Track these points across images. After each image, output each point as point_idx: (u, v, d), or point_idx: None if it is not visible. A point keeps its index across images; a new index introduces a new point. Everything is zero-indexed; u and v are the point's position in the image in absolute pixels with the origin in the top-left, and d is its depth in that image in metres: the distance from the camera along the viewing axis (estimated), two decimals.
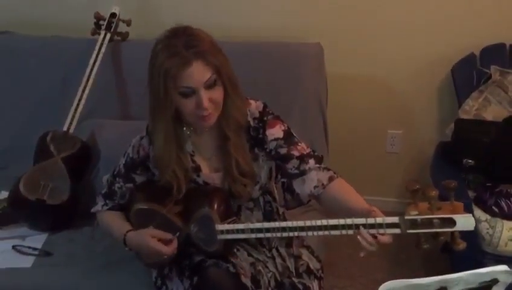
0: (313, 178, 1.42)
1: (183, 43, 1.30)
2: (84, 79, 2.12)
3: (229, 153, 1.43)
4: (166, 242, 1.44)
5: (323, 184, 1.42)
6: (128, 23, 2.29)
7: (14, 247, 1.87)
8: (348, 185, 1.42)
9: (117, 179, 1.57)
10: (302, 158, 1.44)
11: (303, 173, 1.43)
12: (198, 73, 1.30)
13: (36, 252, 1.85)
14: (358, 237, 1.21)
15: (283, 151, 1.45)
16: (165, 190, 1.47)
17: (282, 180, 1.48)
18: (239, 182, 1.45)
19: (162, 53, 1.31)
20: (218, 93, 1.35)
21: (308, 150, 1.47)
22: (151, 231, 1.47)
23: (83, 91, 2.11)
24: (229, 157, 1.44)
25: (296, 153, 1.45)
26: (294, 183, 1.45)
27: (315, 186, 1.42)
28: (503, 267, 0.93)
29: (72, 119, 2.08)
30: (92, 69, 2.13)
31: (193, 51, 1.29)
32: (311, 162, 1.44)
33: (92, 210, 1.65)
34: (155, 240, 1.44)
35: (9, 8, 2.59)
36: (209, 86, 1.32)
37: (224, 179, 1.48)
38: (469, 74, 2.25)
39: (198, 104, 1.32)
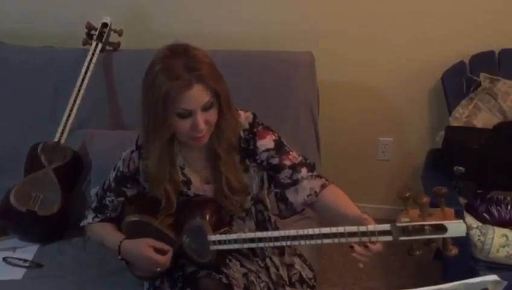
0: (306, 187, 1.42)
1: (183, 64, 1.28)
2: (76, 89, 2.12)
3: (219, 171, 1.43)
4: (162, 253, 1.44)
5: (316, 192, 1.41)
6: (119, 33, 2.29)
7: (4, 259, 1.86)
8: (340, 191, 1.42)
9: (107, 193, 1.56)
10: (295, 167, 1.44)
11: (296, 182, 1.43)
12: (197, 96, 1.29)
13: (27, 264, 1.84)
14: (354, 254, 1.22)
15: (275, 161, 1.45)
16: (157, 202, 1.46)
17: (275, 190, 1.47)
18: (229, 200, 1.45)
19: (162, 74, 1.28)
20: (213, 115, 1.35)
21: (299, 159, 1.47)
22: (149, 241, 1.46)
23: (74, 101, 2.10)
24: (219, 175, 1.43)
25: (288, 163, 1.44)
26: (288, 193, 1.44)
27: (308, 195, 1.42)
28: (493, 277, 0.93)
29: (63, 130, 2.08)
30: (83, 79, 2.13)
31: (194, 74, 1.27)
32: (304, 170, 1.44)
33: (82, 224, 1.64)
34: (151, 250, 1.44)
35: (0, 18, 2.58)
36: (206, 108, 1.32)
37: (216, 191, 1.47)
38: (459, 81, 2.26)
39: (194, 126, 1.31)
